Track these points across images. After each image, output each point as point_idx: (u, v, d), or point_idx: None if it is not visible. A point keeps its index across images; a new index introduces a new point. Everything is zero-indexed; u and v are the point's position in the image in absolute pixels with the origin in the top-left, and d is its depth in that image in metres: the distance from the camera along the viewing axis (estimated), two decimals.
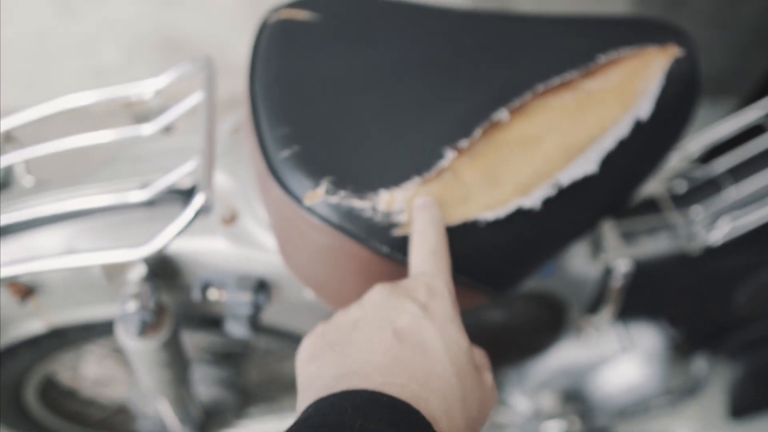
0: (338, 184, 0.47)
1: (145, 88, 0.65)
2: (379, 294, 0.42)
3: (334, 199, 0.47)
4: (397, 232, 0.48)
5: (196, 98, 0.61)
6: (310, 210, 0.48)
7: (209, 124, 0.56)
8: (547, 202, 0.52)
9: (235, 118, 0.71)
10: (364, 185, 0.48)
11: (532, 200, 0.51)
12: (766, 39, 1.42)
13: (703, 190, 0.88)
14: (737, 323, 1.04)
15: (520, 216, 0.51)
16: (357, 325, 0.40)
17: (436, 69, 0.56)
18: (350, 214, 0.47)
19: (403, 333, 0.38)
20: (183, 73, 0.64)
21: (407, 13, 0.62)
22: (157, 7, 1.45)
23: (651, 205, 0.89)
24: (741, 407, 1.13)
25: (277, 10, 0.63)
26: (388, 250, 0.48)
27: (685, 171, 0.89)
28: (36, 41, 1.49)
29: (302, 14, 0.61)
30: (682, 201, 0.89)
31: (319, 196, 0.47)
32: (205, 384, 0.93)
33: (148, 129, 0.63)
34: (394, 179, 0.48)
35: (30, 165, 0.68)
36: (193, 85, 0.65)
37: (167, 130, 0.70)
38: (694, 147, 0.87)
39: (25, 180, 0.67)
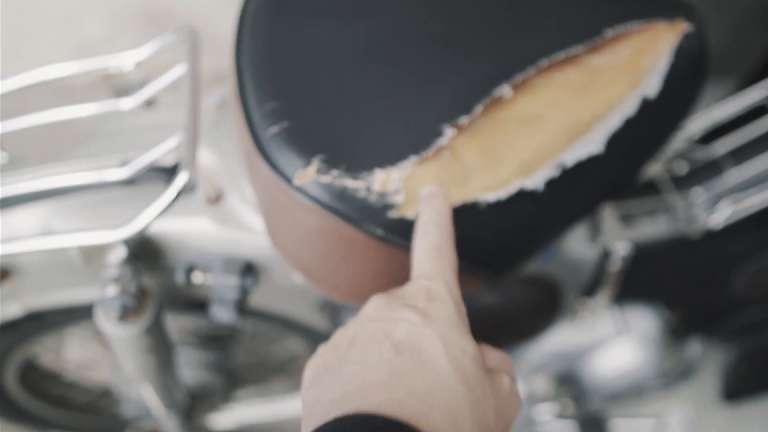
0: (330, 163, 0.44)
1: (126, 60, 0.62)
2: (374, 306, 0.39)
3: (326, 179, 0.44)
4: (392, 214, 0.45)
5: (178, 71, 0.58)
6: (300, 190, 0.45)
7: (192, 98, 0.53)
8: (551, 184, 0.50)
9: (221, 92, 0.68)
10: (358, 164, 0.45)
11: (535, 181, 0.49)
12: (765, 18, 1.40)
13: (703, 171, 0.86)
14: (733, 307, 1.03)
15: (522, 197, 0.49)
16: (353, 342, 0.37)
17: (435, 41, 0.53)
18: (343, 195, 0.44)
19: (400, 344, 0.35)
20: (165, 45, 0.61)
21: None
22: None
23: (650, 187, 0.86)
24: (734, 391, 1.12)
25: None
26: (383, 233, 0.45)
27: (686, 152, 0.87)
28: (14, 13, 1.44)
29: None
30: (683, 183, 0.86)
31: (309, 175, 0.44)
32: (191, 367, 0.90)
33: (127, 103, 0.60)
34: (390, 158, 0.45)
35: (3, 140, 0.64)
36: (176, 57, 0.62)
37: (149, 104, 0.66)
38: (696, 128, 0.85)
39: None
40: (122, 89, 0.65)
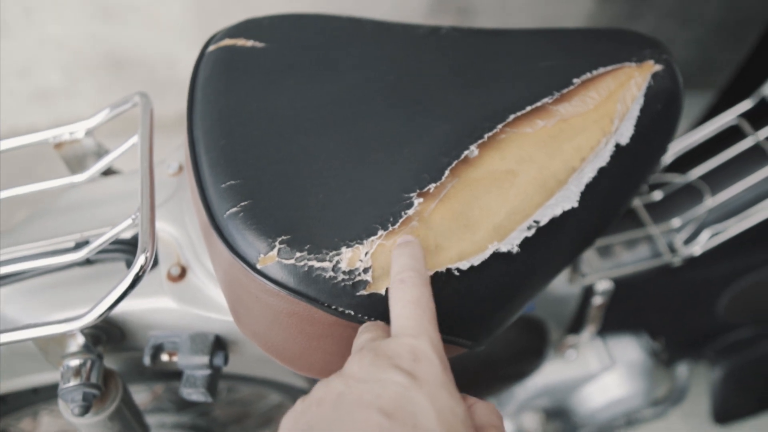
0: (293, 244, 0.42)
1: (77, 129, 0.59)
2: (359, 364, 0.37)
3: (290, 261, 0.41)
4: (362, 292, 0.42)
5: (132, 141, 0.55)
6: (263, 274, 0.42)
7: (147, 174, 0.50)
8: (525, 243, 0.47)
9: (179, 154, 0.65)
10: (323, 243, 0.42)
11: (509, 243, 0.47)
12: (730, 32, 1.40)
13: (679, 198, 0.85)
14: (716, 330, 1.01)
15: (496, 261, 0.46)
16: (338, 402, 0.35)
17: (399, 100, 0.51)
18: (308, 277, 0.42)
19: (390, 409, 0.34)
20: (117, 112, 0.58)
21: (364, 33, 0.57)
22: (97, 24, 1.37)
23: (627, 217, 0.85)
24: (724, 413, 1.11)
25: (216, 37, 0.57)
26: (354, 313, 0.43)
27: (660, 179, 0.86)
28: None
29: (245, 42, 0.56)
30: (659, 211, 0.85)
31: (272, 259, 0.42)
32: (166, 429, 0.87)
33: (81, 177, 0.57)
34: (357, 233, 0.43)
35: None
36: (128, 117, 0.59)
37: (103, 174, 0.64)
38: (669, 154, 0.84)
39: None
40: (73, 157, 0.62)
